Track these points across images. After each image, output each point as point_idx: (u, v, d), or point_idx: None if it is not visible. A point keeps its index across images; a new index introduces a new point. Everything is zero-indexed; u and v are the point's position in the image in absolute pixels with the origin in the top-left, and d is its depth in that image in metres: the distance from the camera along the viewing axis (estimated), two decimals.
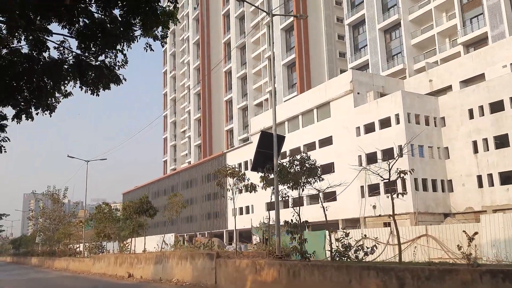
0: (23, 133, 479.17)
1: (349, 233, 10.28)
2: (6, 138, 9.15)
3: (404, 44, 45.35)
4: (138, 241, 28.88)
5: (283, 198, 12.00)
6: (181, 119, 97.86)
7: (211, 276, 13.84)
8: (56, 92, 7.71)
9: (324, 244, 28.13)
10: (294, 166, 11.62)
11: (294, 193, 12.74)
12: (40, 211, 49.03)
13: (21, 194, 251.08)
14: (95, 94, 7.71)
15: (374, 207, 36.10)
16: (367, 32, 49.56)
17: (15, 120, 7.75)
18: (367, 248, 9.80)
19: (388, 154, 35.56)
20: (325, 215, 10.94)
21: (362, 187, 38.61)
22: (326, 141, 43.92)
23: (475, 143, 32.96)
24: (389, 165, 9.86)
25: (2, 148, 9.15)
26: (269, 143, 12.70)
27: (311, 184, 11.71)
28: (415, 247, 18.73)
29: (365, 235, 17.03)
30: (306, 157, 11.61)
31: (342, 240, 9.79)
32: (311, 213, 44.53)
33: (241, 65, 75.50)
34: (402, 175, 9.54)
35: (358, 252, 9.39)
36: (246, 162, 59.08)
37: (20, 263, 65.35)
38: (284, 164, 12.33)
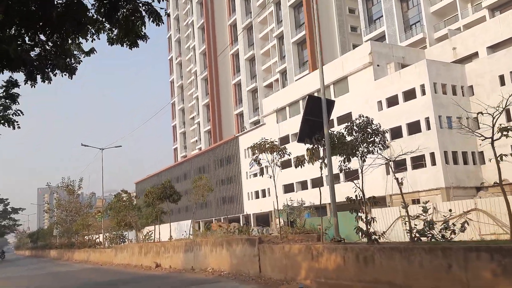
0: (35, 124, 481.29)
1: (428, 208, 8.83)
2: (19, 112, 7.81)
3: (423, 12, 43.21)
4: (157, 229, 27.77)
5: (343, 171, 10.50)
6: (189, 105, 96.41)
7: (254, 264, 12.55)
8: (77, 46, 6.27)
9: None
10: (354, 132, 10.10)
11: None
12: (56, 203, 48.22)
13: (35, 188, 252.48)
14: (126, 44, 6.24)
15: (401, 183, 34.51)
16: (382, 2, 47.38)
17: (29, 82, 6.29)
18: (445, 225, 8.36)
19: (414, 127, 33.95)
20: (400, 188, 9.47)
21: (387, 163, 37.06)
22: (345, 118, 42.28)
23: (507, 112, 31.19)
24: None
25: (15, 123, 7.81)
26: (317, 109, 11.16)
27: (373, 152, 10.22)
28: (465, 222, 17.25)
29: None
30: (367, 121, 10.08)
31: (422, 217, 8.41)
32: (339, 190, 43.39)
33: (248, 47, 73.55)
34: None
35: (445, 231, 7.95)
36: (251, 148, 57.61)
37: (39, 256, 65.08)
38: (339, 131, 10.84)
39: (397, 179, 9.22)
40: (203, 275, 14.49)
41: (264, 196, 57.04)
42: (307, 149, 11.21)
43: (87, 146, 35.75)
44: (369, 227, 9.05)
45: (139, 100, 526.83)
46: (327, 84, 45.46)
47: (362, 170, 10.09)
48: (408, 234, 8.59)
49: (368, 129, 9.96)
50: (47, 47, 6.12)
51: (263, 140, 13.29)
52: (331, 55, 56.47)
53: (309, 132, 10.92)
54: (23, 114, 7.80)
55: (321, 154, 11.29)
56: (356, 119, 10.43)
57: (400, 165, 34.72)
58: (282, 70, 64.03)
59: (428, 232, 8.07)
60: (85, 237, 40.32)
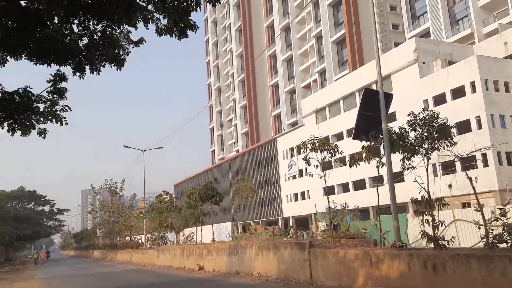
0: (78, 125, 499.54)
1: (507, 211, 7.91)
2: (67, 107, 7.54)
3: (471, 7, 41.18)
4: (194, 231, 27.48)
5: (406, 169, 9.66)
6: (226, 108, 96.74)
7: (304, 269, 11.92)
8: (125, 37, 5.89)
9: (406, 228, 25.60)
10: (418, 127, 9.27)
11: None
12: (99, 205, 49.36)
13: (79, 190, 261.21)
14: (175, 35, 5.81)
15: (450, 186, 32.91)
16: None
17: (77, 74, 5.94)
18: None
19: (463, 126, 32.24)
20: (474, 188, 8.52)
21: (434, 164, 35.61)
22: (389, 118, 40.96)
23: None
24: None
25: (63, 119, 7.55)
26: (373, 104, 10.41)
27: (439, 149, 9.35)
28: None
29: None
30: (432, 115, 9.24)
31: (500, 220, 7.51)
32: (374, 194, 41.96)
33: (286, 47, 72.92)
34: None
35: None
36: (298, 147, 56.83)
37: (83, 257, 66.86)
38: (401, 126, 10.04)
39: (470, 178, 8.33)
40: (250, 280, 13.99)
41: (303, 198, 56.10)
42: (363, 147, 10.46)
43: (130, 147, 36.22)
44: (436, 231, 8.22)
45: (178, 103, 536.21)
46: (368, 83, 44.14)
47: (427, 169, 9.23)
48: (482, 239, 7.70)
49: (434, 124, 9.11)
50: (95, 37, 5.79)
51: (312, 138, 12.60)
52: (372, 54, 54.92)
53: (365, 128, 10.19)
54: (70, 110, 7.55)
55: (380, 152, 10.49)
56: (419, 112, 9.61)
57: (448, 167, 33.11)
58: (321, 70, 62.98)
59: (509, 238, 7.19)
60: (127, 238, 40.85)
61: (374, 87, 43.91)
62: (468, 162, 32.05)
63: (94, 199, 62.46)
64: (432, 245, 8.47)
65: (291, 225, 56.85)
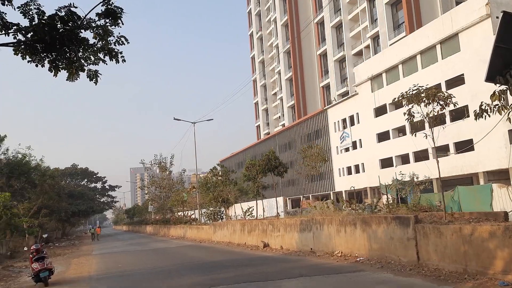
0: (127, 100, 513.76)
1: None
2: (123, 39, 5.60)
3: None
4: (244, 206, 25.71)
5: None
6: (271, 81, 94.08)
7: (408, 249, 9.75)
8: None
9: (491, 201, 22.72)
10: None
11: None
12: (150, 181, 49.05)
13: (128, 167, 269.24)
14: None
15: None
16: None
17: None
18: None
19: None
20: None
21: (510, 131, 32.07)
22: (456, 81, 37.21)
23: None
24: None
25: (119, 54, 5.64)
26: None
27: None
28: None
29: None
30: None
31: None
32: (447, 163, 38.59)
33: (334, 13, 68.86)
34: None
35: None
36: (351, 117, 53.83)
37: (135, 232, 67.80)
38: None
39: None
40: (333, 260, 11.99)
41: (357, 172, 53.36)
42: (493, 93, 7.96)
43: (179, 120, 34.92)
44: None
45: (223, 79, 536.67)
46: (431, 44, 40.28)
47: None
48: None
49: None
50: None
51: (416, 87, 10.17)
52: (431, 15, 50.53)
53: (502, 66, 7.68)
54: (128, 42, 5.66)
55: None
56: None
57: None
58: (374, 35, 58.89)
59: None
60: (179, 213, 40.08)
61: (437, 48, 40.13)
62: None
63: (145, 175, 62.66)
64: None
65: (344, 199, 54.41)
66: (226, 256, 16.21)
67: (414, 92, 10.28)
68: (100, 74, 6.16)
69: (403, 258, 9.94)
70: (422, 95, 10.13)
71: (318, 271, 10.38)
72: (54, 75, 5.91)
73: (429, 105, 10.15)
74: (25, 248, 25.73)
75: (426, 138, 10.43)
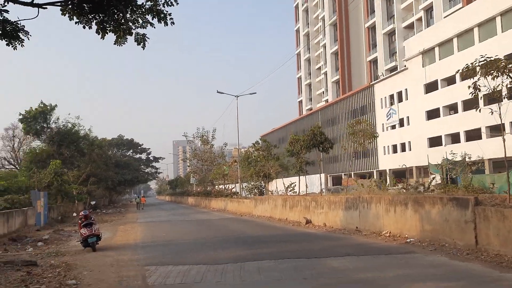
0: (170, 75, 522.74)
1: None
2: (172, 0, 5.25)
3: None
4: (285, 182, 25.30)
5: None
6: (315, 55, 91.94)
7: (466, 233, 9.15)
8: None
9: None
10: None
11: None
12: (192, 153, 49.81)
13: (171, 140, 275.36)
14: None
15: None
16: None
17: None
18: None
19: None
20: None
21: None
22: None
23: None
24: None
25: (168, 16, 5.33)
26: None
27: None
28: None
29: None
30: None
31: None
32: (491, 145, 36.54)
33: None
34: None
35: None
36: (399, 93, 51.82)
37: (178, 202, 69.60)
38: None
39: None
40: (380, 240, 11.53)
41: (403, 150, 51.72)
42: None
43: (222, 93, 34.81)
44: None
45: (266, 53, 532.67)
46: (490, 16, 37.65)
47: None
48: None
49: None
50: None
51: (484, 58, 9.29)
52: None
53: None
54: (177, 3, 5.33)
55: None
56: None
57: None
58: (427, 7, 55.78)
59: None
60: (220, 186, 40.50)
61: (497, 20, 37.51)
62: None
63: (186, 149, 63.79)
64: None
65: (388, 177, 53.00)
66: (269, 231, 16.07)
67: (487, 61, 9.31)
68: (148, 38, 5.91)
69: (459, 242, 9.34)
70: (501, 63, 9.11)
71: (366, 251, 9.97)
72: (101, 37, 5.72)
73: (497, 78, 9.25)
74: (74, 214, 26.88)
75: (492, 114, 9.57)
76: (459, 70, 10.54)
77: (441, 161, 27.80)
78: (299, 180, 21.16)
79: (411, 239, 10.82)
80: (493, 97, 9.97)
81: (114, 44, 5.83)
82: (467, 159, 28.70)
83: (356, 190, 17.09)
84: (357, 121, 17.11)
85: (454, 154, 27.75)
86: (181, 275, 8.22)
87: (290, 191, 21.45)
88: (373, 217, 12.87)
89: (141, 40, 5.89)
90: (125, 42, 5.92)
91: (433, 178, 18.62)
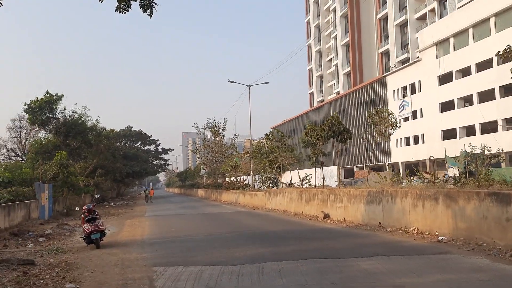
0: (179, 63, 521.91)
1: None
2: None
3: None
4: (296, 174, 24.17)
5: None
6: (326, 46, 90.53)
7: (508, 231, 8.29)
8: None
9: None
10: None
11: None
12: (203, 144, 48.98)
13: (180, 132, 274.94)
14: None
15: None
16: None
17: None
18: None
19: None
20: None
21: None
22: None
23: None
24: None
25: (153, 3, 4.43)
26: None
27: None
28: None
29: None
30: None
31: None
32: (510, 139, 35.25)
33: None
34: None
35: None
36: (412, 85, 50.51)
37: (187, 195, 68.93)
38: None
39: None
40: (408, 238, 10.60)
41: (416, 143, 50.51)
42: None
43: (234, 82, 33.87)
44: None
45: (276, 46, 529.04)
46: (508, 5, 36.22)
47: None
48: None
49: None
50: None
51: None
52: None
53: None
54: None
55: None
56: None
57: None
58: None
59: None
60: (231, 178, 39.65)
61: None
62: None
63: (196, 141, 62.92)
64: None
65: (400, 171, 51.71)
66: (285, 226, 15.19)
67: None
68: (156, 4, 5.05)
69: (500, 241, 8.40)
70: None
71: (396, 250, 9.05)
72: (100, 0, 4.86)
73: None
74: (77, 208, 26.09)
75: None
76: (499, 52, 9.51)
77: (460, 154, 26.69)
78: (315, 172, 20.22)
79: (443, 237, 9.88)
80: None
81: (116, 11, 4.98)
82: (486, 152, 27.58)
83: (377, 183, 16.18)
84: (378, 110, 16.13)
85: (473, 146, 26.63)
86: (192, 278, 7.38)
87: (305, 183, 20.53)
88: (398, 212, 11.94)
89: (147, 6, 5.03)
90: (129, 9, 5.06)
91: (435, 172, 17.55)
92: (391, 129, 15.79)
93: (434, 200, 10.40)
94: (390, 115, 15.92)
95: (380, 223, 12.74)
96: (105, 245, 11.86)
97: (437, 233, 10.23)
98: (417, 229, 10.95)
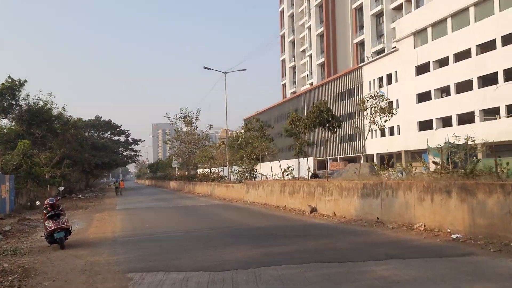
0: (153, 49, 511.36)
1: None
2: None
3: None
4: (274, 165, 22.98)
5: None
6: (300, 37, 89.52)
7: None
8: None
9: None
10: None
11: None
12: (175, 134, 47.12)
13: (150, 123, 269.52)
14: None
15: None
16: None
17: None
18: None
19: None
20: None
21: None
22: None
23: None
24: None
25: None
26: None
27: None
28: None
29: None
30: None
31: None
32: (485, 128, 35.15)
33: None
34: None
35: None
36: (388, 76, 50.17)
37: (158, 186, 66.90)
38: None
39: None
40: (416, 236, 9.51)
41: (391, 134, 50.29)
42: None
43: (209, 69, 32.17)
44: None
45: (249, 36, 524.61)
46: None
47: None
48: None
49: None
50: None
51: None
52: None
53: None
54: None
55: None
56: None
57: None
58: None
59: None
60: (205, 169, 38.18)
61: (495, 0, 35.97)
62: None
63: (170, 130, 60.81)
64: None
65: (374, 162, 51.41)
66: (271, 221, 13.92)
67: None
68: None
69: None
70: None
71: (410, 252, 7.92)
72: None
73: None
74: (38, 203, 23.98)
75: None
76: None
77: (443, 144, 26.11)
78: (299, 163, 19.05)
79: (457, 235, 8.84)
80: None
81: None
82: (470, 142, 27.14)
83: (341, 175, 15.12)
84: (371, 96, 15.07)
85: (457, 136, 26.11)
86: None
87: (287, 175, 19.40)
88: (400, 206, 10.86)
89: None
90: None
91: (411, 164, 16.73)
92: (386, 116, 14.78)
93: (446, 193, 9.34)
94: (385, 101, 14.92)
95: (378, 218, 11.66)
96: (70, 245, 10.28)
97: (449, 230, 9.19)
98: (424, 225, 9.90)
